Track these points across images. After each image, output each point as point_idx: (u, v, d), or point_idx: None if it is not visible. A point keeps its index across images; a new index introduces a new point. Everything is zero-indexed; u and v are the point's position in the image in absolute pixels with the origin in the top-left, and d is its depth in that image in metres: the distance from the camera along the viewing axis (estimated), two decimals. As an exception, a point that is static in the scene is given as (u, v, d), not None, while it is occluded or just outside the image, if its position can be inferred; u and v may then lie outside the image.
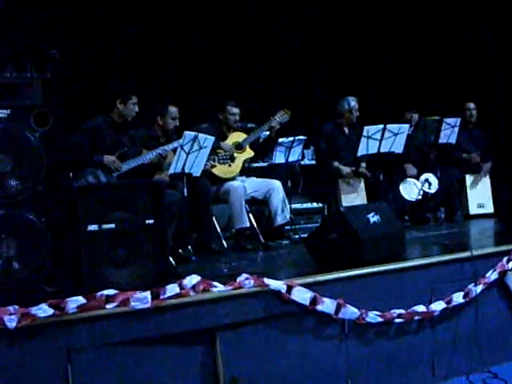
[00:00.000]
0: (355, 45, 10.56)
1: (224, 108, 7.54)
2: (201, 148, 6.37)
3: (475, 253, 5.68)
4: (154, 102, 7.17)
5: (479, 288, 5.53)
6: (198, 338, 4.45)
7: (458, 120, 8.76)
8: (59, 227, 4.65)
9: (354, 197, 8.21)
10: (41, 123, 4.53)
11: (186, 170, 6.33)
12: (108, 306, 4.15)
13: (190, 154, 6.30)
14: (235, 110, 7.54)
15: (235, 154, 7.31)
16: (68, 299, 4.05)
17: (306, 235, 6.27)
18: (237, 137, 7.53)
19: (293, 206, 7.85)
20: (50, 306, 4.00)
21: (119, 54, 8.73)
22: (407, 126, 8.07)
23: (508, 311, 5.88)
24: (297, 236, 7.42)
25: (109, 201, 4.70)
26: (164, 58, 9.12)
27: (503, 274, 5.76)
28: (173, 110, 6.97)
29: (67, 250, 4.69)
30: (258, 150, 7.64)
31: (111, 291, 4.21)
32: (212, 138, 6.53)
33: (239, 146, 7.45)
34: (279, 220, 7.30)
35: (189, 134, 6.28)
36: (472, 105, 9.46)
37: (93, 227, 4.57)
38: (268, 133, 7.64)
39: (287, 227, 7.55)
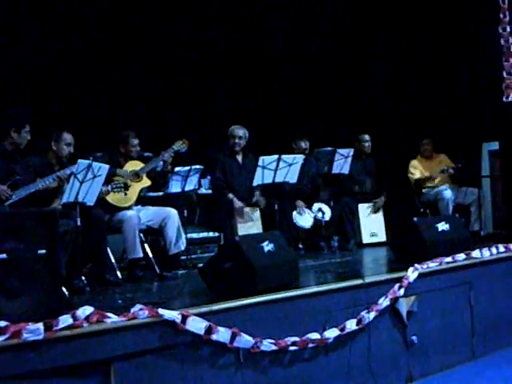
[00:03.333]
0: (250, 73, 10.69)
1: (126, 141, 7.48)
2: (95, 177, 6.27)
3: (368, 280, 5.82)
4: (49, 129, 7.02)
5: (372, 315, 5.65)
6: (92, 370, 4.37)
7: (351, 151, 8.97)
8: None
9: (250, 226, 8.24)
10: None
11: (80, 200, 6.20)
12: (-1, 339, 4.04)
13: (84, 183, 6.19)
14: (136, 142, 7.52)
15: (131, 183, 7.23)
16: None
17: (201, 265, 6.26)
18: (133, 165, 7.45)
19: (189, 235, 7.86)
20: None
21: (12, 81, 8.61)
22: (301, 156, 8.23)
23: (400, 337, 6.02)
24: (192, 265, 7.41)
25: (0, 230, 4.59)
26: (61, 88, 9.05)
27: (395, 300, 5.91)
28: (67, 136, 6.79)
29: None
30: (154, 179, 7.59)
31: (2, 323, 4.09)
32: (107, 167, 6.44)
33: (136, 175, 7.36)
34: (174, 249, 7.24)
35: (82, 163, 6.16)
36: (367, 136, 9.68)
37: (-17, 258, 4.44)
38: (165, 162, 7.60)
39: (183, 257, 7.54)
